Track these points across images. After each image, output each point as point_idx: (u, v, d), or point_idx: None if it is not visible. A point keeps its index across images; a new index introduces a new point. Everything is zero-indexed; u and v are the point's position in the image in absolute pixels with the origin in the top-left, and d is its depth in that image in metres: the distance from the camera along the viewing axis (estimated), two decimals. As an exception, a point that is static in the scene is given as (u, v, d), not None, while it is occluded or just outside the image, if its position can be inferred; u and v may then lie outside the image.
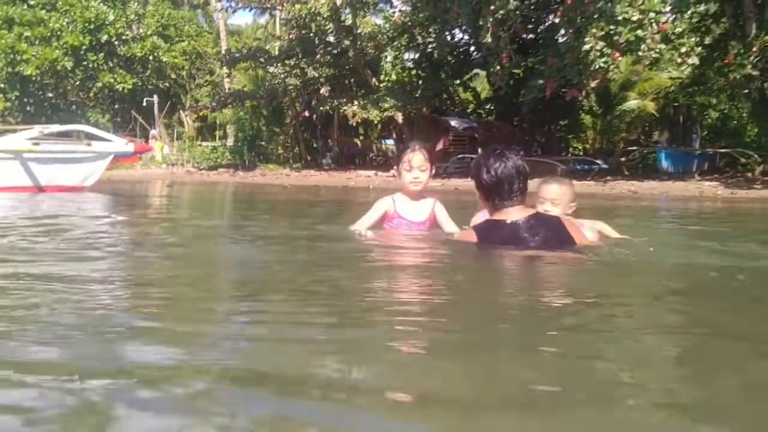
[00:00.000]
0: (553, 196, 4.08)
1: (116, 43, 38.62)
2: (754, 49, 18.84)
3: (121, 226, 5.91)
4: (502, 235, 3.45)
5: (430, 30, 26.17)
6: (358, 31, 26.99)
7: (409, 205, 4.52)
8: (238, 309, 2.34)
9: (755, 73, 19.49)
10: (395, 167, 4.69)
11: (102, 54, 38.28)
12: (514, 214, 3.48)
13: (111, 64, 39.09)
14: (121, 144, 13.38)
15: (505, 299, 2.59)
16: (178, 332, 1.95)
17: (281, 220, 7.38)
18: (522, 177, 3.49)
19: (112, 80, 38.70)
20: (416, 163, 4.41)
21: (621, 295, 2.68)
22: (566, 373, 1.59)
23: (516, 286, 2.90)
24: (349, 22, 27.55)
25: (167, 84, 41.91)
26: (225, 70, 35.74)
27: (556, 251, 3.38)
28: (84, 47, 37.28)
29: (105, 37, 37.82)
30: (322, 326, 2.02)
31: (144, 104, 39.28)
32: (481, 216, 4.50)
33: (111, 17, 37.94)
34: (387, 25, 26.82)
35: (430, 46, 27.81)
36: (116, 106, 41.90)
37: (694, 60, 18.34)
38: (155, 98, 38.90)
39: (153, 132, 38.10)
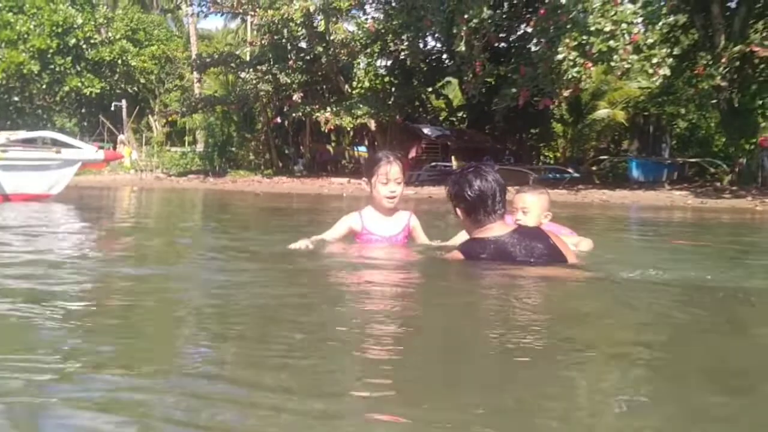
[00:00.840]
0: (526, 204, 4.05)
1: (84, 46, 38.13)
2: (723, 60, 19.12)
3: (84, 239, 5.64)
4: (488, 253, 3.39)
5: (403, 37, 26.20)
6: (331, 38, 26.93)
7: (380, 220, 4.18)
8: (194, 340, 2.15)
9: (724, 83, 19.79)
10: (365, 179, 4.24)
11: (69, 58, 37.77)
12: (497, 230, 3.43)
13: (78, 68, 38.55)
14: (90, 151, 13.06)
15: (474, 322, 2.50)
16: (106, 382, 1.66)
17: (256, 232, 7.17)
18: (503, 191, 3.46)
19: (79, 84, 38.17)
20: (393, 175, 4.08)
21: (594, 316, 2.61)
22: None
23: (488, 309, 2.77)
24: (321, 28, 27.50)
25: (136, 88, 41.44)
26: (195, 74, 35.49)
27: (543, 266, 3.33)
28: (51, 51, 36.77)
29: (73, 41, 37.34)
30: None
31: (112, 109, 38.78)
32: (463, 235, 4.43)
33: (79, 21, 37.48)
34: (360, 32, 26.79)
35: (403, 53, 27.84)
36: (83, 111, 41.30)
37: (665, 71, 18.56)
38: (123, 103, 38.44)
39: (121, 137, 37.57)
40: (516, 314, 2.57)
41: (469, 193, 3.42)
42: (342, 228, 4.20)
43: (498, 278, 3.22)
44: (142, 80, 41.37)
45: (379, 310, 2.64)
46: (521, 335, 2.18)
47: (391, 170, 4.08)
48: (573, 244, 4.03)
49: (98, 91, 38.87)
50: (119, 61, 39.38)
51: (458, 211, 3.54)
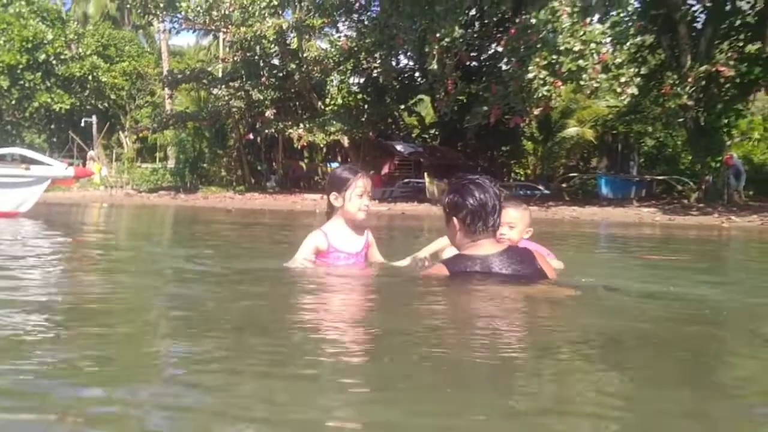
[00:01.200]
0: (511, 219, 4.00)
1: (54, 62, 37.84)
2: (690, 79, 19.54)
3: (50, 255, 5.49)
4: (473, 271, 3.34)
5: (376, 55, 26.39)
6: (304, 55, 27.03)
7: (345, 236, 4.07)
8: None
9: (690, 102, 20.22)
10: (335, 193, 4.04)
11: (39, 73, 37.47)
12: (487, 247, 3.38)
13: (48, 84, 38.22)
14: (60, 168, 12.89)
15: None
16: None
17: (230, 251, 7.02)
18: (500, 207, 3.44)
19: (49, 100, 37.84)
20: (369, 188, 4.04)
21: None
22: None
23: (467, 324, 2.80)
24: (294, 45, 27.60)
25: (106, 104, 41.15)
26: (167, 90, 35.32)
27: (525, 285, 3.34)
28: (21, 66, 36.43)
29: (43, 56, 37.06)
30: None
31: (82, 125, 38.47)
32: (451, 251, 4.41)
33: (50, 36, 37.22)
34: (333, 50, 26.92)
35: (375, 71, 28.03)
36: (53, 127, 40.94)
37: (633, 90, 18.91)
38: (94, 119, 38.15)
39: (91, 153, 37.23)
40: (494, 326, 2.61)
41: (470, 201, 3.37)
42: (310, 248, 4.02)
43: (481, 293, 3.24)
44: (113, 96, 41.09)
45: (365, 326, 2.67)
46: (499, 346, 2.23)
47: (367, 183, 4.04)
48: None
49: (68, 107, 38.54)
50: (90, 77, 39.11)
51: (455, 221, 3.45)
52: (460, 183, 3.54)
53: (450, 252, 4.32)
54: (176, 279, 4.17)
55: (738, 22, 21.56)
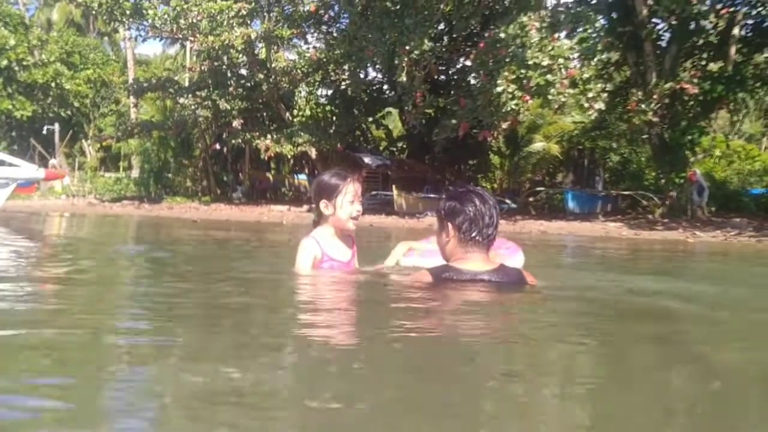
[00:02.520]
0: None
1: (16, 68, 37.20)
2: (655, 96, 19.81)
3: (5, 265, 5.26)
4: (458, 283, 3.26)
5: (345, 67, 26.36)
6: (272, 66, 26.89)
7: (336, 244, 3.93)
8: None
9: (655, 119, 20.49)
10: (324, 200, 3.86)
11: (1, 79, 36.77)
12: (478, 264, 3.30)
13: (10, 90, 37.53)
14: (30, 169, 12.55)
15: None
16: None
17: (199, 262, 6.84)
18: (497, 220, 3.34)
19: (10, 107, 37.18)
20: (359, 193, 3.89)
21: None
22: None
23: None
24: (263, 56, 27.46)
25: (69, 112, 40.53)
26: (132, 99, 34.91)
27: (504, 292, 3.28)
28: (-19, 72, 35.78)
29: (5, 62, 36.42)
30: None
31: (44, 132, 37.78)
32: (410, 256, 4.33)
33: (12, 42, 36.60)
34: (302, 61, 26.83)
35: (344, 83, 28.01)
36: (13, 134, 40.14)
37: (600, 105, 19.12)
38: (56, 126, 37.49)
39: (53, 161, 36.49)
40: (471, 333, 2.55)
41: (469, 209, 3.29)
42: (309, 258, 3.84)
43: (464, 301, 3.18)
44: (76, 104, 40.49)
45: (350, 334, 2.59)
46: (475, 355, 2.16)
47: (357, 188, 3.90)
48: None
49: (30, 114, 37.91)
50: (53, 84, 38.51)
51: (450, 227, 3.35)
52: (459, 191, 3.48)
53: (409, 257, 4.27)
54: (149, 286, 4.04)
55: (701, 42, 21.96)
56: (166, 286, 4.06)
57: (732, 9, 20.63)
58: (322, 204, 3.88)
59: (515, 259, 4.06)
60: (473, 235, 3.30)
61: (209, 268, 5.38)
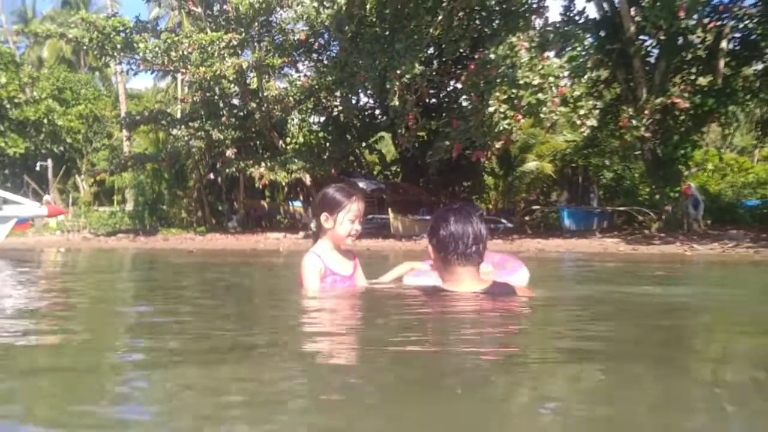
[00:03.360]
0: None
1: (8, 106, 37.23)
2: (646, 112, 19.91)
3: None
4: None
5: (337, 94, 26.49)
6: (265, 94, 27.00)
7: (337, 259, 3.90)
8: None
9: (647, 134, 20.59)
10: (326, 213, 3.83)
11: (-8, 117, 36.83)
12: (468, 284, 3.27)
13: (2, 128, 37.55)
14: (33, 207, 12.60)
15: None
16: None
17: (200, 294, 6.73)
18: (479, 239, 3.26)
19: (2, 144, 37.19)
20: (361, 213, 3.87)
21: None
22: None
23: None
24: (254, 85, 27.57)
25: (62, 148, 40.51)
26: (125, 132, 34.96)
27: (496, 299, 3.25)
28: (-27, 110, 35.81)
29: (-4, 100, 36.47)
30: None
31: (37, 168, 37.73)
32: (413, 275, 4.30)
33: (3, 80, 36.70)
34: (293, 89, 26.95)
35: (336, 109, 28.13)
36: (6, 171, 40.05)
37: (592, 122, 19.21)
38: (49, 162, 37.43)
39: (47, 197, 36.38)
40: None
41: (443, 229, 3.26)
42: (316, 275, 3.79)
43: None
44: (69, 140, 40.49)
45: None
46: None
47: (361, 207, 3.89)
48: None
49: (22, 151, 37.89)
50: (45, 121, 38.52)
51: (430, 247, 3.37)
52: (443, 210, 3.47)
53: (411, 277, 4.26)
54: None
55: (689, 56, 22.15)
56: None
57: (719, 23, 20.81)
58: (323, 217, 3.86)
59: (519, 275, 4.04)
60: (449, 256, 3.26)
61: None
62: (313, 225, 4.03)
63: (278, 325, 3.11)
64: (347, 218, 3.80)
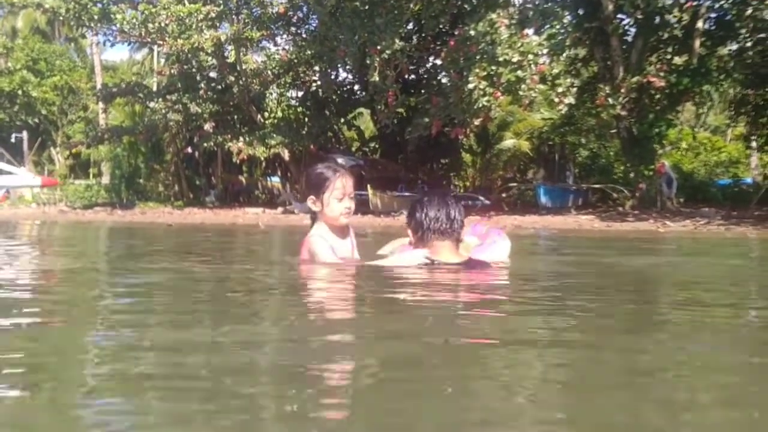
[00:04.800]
0: None
1: (-18, 77, 36.71)
2: (622, 90, 20.15)
3: None
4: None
5: (316, 68, 26.39)
6: (243, 68, 26.82)
7: (337, 240, 3.75)
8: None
9: (623, 113, 20.84)
10: (312, 196, 3.67)
11: (-33, 89, 36.29)
12: (446, 255, 3.51)
13: (-24, 99, 37.06)
14: (28, 177, 12.54)
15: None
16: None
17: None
18: (454, 218, 3.52)
19: (-24, 116, 36.66)
20: (349, 189, 3.69)
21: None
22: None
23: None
24: (232, 59, 27.36)
25: (37, 120, 40.03)
26: (101, 105, 34.56)
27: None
28: (-54, 81, 35.24)
29: (-30, 71, 35.91)
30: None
31: (12, 141, 37.27)
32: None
33: (-24, 51, 36.10)
34: (272, 62, 26.79)
35: (314, 84, 28.02)
36: (-20, 143, 39.58)
37: (570, 99, 19.38)
38: (24, 134, 37.00)
39: (21, 169, 36.10)
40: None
41: (418, 214, 3.51)
42: (328, 248, 3.66)
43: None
44: (44, 111, 40.01)
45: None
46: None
47: (347, 183, 3.70)
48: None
49: (-3, 122, 37.44)
50: (19, 92, 38.02)
51: (410, 230, 3.63)
52: (425, 193, 3.95)
53: (401, 250, 4.40)
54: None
55: (666, 36, 22.38)
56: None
57: (695, 3, 21.00)
58: (310, 200, 3.72)
59: (501, 246, 4.18)
60: (425, 233, 3.52)
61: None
62: (313, 207, 3.80)
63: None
64: (333, 197, 3.65)
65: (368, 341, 2.05)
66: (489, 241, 4.26)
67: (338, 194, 3.63)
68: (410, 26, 25.45)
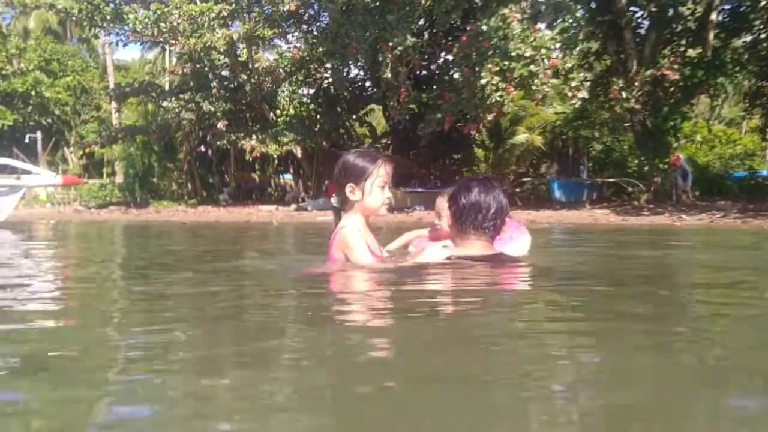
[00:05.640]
0: (440, 209, 4.05)
1: (-5, 78, 36.94)
2: (636, 83, 20.05)
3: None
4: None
5: (327, 65, 26.39)
6: (255, 66, 26.87)
7: (369, 233, 3.52)
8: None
9: (637, 106, 20.74)
10: (351, 184, 3.41)
11: (-20, 90, 36.53)
12: (478, 249, 3.40)
13: (-10, 100, 37.30)
14: (49, 176, 12.75)
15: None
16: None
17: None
18: (499, 211, 3.37)
19: (-10, 117, 36.91)
20: (390, 177, 3.43)
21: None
22: None
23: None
24: (244, 57, 27.42)
25: (50, 120, 40.24)
26: (114, 104, 34.73)
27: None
28: (-40, 82, 35.49)
29: (-17, 73, 36.15)
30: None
31: (26, 141, 37.45)
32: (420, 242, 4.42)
33: (-10, 52, 36.34)
34: (284, 60, 26.82)
35: (326, 81, 28.03)
36: (-5, 143, 39.82)
37: (584, 93, 19.33)
38: (38, 135, 37.18)
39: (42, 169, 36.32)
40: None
41: (463, 200, 3.35)
42: (365, 246, 3.40)
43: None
44: (57, 111, 40.22)
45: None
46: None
47: (389, 170, 3.45)
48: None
49: (11, 123, 37.63)
50: (33, 93, 38.23)
51: (449, 213, 3.51)
52: (467, 179, 3.61)
53: (419, 243, 4.37)
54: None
55: (679, 28, 22.24)
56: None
57: (709, -5, 20.92)
58: (348, 189, 3.44)
59: (522, 241, 4.17)
60: (465, 227, 3.39)
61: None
62: (333, 200, 3.61)
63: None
64: (376, 185, 3.40)
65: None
66: (507, 236, 4.24)
67: (380, 182, 3.40)
68: (422, 22, 25.39)
